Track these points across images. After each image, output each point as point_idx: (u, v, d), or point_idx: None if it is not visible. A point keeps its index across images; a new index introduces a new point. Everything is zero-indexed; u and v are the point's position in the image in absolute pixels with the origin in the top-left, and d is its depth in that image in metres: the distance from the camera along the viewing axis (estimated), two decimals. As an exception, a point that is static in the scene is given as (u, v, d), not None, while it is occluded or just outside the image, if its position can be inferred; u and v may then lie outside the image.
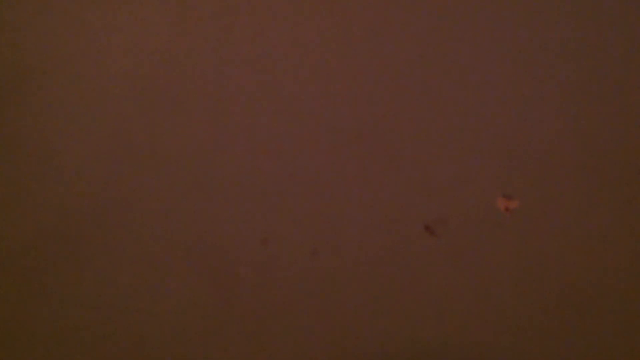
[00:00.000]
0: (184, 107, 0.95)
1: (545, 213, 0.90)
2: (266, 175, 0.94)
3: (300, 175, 0.94)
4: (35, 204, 0.95)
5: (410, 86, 0.94)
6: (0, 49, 0.98)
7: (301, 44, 0.95)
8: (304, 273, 0.92)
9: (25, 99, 0.97)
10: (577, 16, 0.93)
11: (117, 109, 0.96)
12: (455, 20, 0.94)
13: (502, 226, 0.91)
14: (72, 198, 0.95)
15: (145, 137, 0.95)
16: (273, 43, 0.95)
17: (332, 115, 0.94)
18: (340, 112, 0.94)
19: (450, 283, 0.91)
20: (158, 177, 0.95)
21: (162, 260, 0.94)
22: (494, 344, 0.89)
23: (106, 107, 0.96)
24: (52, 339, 0.93)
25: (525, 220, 0.90)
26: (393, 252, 0.92)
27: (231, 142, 0.94)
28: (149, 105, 0.96)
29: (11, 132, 0.96)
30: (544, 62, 0.93)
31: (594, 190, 0.90)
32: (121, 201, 0.95)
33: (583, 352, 0.89)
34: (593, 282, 0.89)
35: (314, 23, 0.95)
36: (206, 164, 0.94)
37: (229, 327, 0.92)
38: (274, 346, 0.92)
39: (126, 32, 0.97)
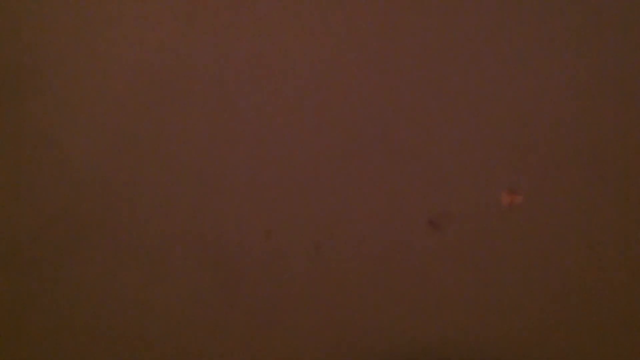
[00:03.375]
0: (188, 101, 0.94)
1: (550, 209, 0.90)
2: (270, 167, 0.93)
3: (304, 168, 0.93)
4: (38, 197, 0.95)
5: (415, 79, 0.92)
6: (2, 40, 0.97)
7: (309, 37, 0.93)
8: (307, 266, 0.93)
9: (29, 91, 0.96)
10: (583, 10, 0.90)
11: (121, 102, 0.95)
12: (461, 14, 0.91)
13: (506, 221, 0.90)
14: (75, 190, 0.95)
15: (149, 129, 0.95)
16: (281, 36, 0.93)
17: (336, 109, 0.93)
18: (345, 106, 0.93)
19: (453, 277, 0.91)
20: (162, 170, 0.95)
21: (165, 252, 0.94)
22: (498, 339, 0.90)
23: (110, 100, 0.95)
24: (54, 330, 0.95)
25: (530, 216, 0.90)
26: (396, 246, 0.92)
27: (235, 134, 0.94)
28: (153, 98, 0.95)
29: (15, 123, 0.96)
30: (551, 55, 0.90)
31: (599, 185, 0.89)
32: (124, 193, 0.95)
33: (589, 349, 0.89)
34: (598, 278, 0.89)
35: (322, 17, 0.93)
36: (210, 156, 0.94)
37: (232, 319, 0.93)
38: (277, 339, 0.93)
39: (131, 24, 0.95)
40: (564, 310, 0.89)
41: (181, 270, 0.94)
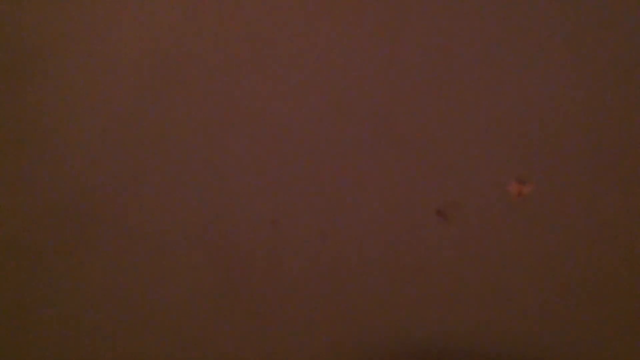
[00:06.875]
0: (192, 91, 0.93)
1: (559, 198, 0.89)
2: (276, 157, 0.93)
3: (311, 157, 0.92)
4: (40, 190, 0.94)
5: (423, 69, 0.91)
6: (7, 29, 0.95)
7: (318, 28, 0.92)
8: (313, 255, 0.92)
9: (34, 79, 0.95)
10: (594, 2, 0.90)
11: (124, 92, 0.94)
12: (467, 7, 0.91)
13: (515, 211, 0.90)
14: (80, 180, 0.94)
15: (155, 118, 0.94)
16: (288, 29, 0.93)
17: (343, 98, 0.92)
18: (352, 95, 0.92)
19: (461, 267, 0.90)
20: (166, 160, 0.94)
21: (171, 242, 0.94)
22: (505, 330, 0.90)
23: (113, 91, 0.94)
24: (57, 323, 0.94)
25: (539, 206, 0.89)
26: (404, 236, 0.91)
27: (241, 123, 0.93)
28: (156, 89, 0.94)
29: (15, 116, 0.95)
30: (558, 47, 0.90)
31: (607, 175, 0.89)
32: (130, 183, 0.94)
33: (596, 340, 0.89)
34: (607, 268, 0.89)
35: (329, 6, 0.92)
36: (215, 146, 0.93)
37: (238, 309, 0.93)
38: (283, 329, 0.92)
39: (132, 16, 0.94)
40: (572, 300, 0.89)
41: (187, 261, 0.93)
